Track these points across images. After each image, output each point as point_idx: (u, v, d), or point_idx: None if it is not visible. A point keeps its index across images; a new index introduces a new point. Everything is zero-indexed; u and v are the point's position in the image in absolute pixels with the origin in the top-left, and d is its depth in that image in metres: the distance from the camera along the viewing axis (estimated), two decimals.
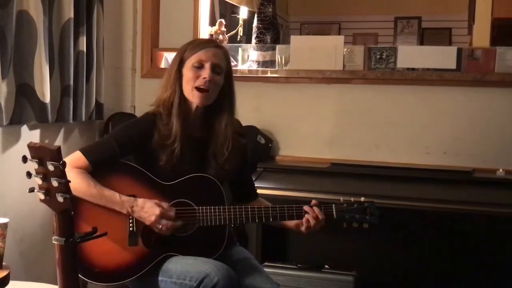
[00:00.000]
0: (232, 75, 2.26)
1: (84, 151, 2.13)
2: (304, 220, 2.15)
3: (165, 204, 2.10)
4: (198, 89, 2.15)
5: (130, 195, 2.11)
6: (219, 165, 2.21)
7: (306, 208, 2.16)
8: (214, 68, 2.16)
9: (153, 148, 2.15)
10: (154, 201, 2.08)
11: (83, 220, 2.08)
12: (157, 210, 2.06)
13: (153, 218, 2.05)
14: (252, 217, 2.16)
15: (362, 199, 2.21)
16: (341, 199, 2.21)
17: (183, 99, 2.18)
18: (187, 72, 2.17)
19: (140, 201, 2.08)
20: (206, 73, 2.14)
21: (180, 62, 2.19)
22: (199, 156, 2.21)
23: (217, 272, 1.97)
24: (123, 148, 2.15)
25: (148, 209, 2.06)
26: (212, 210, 2.12)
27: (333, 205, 2.18)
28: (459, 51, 3.19)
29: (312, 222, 2.14)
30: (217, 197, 2.17)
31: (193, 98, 2.17)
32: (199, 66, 2.16)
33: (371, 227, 2.19)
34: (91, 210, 2.08)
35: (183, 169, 2.16)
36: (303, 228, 2.17)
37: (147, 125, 2.18)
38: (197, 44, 2.22)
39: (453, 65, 3.18)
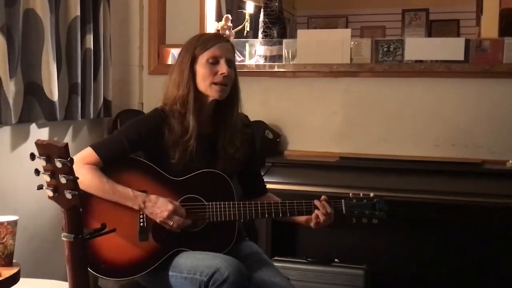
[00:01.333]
0: (236, 68, 2.28)
1: (94, 147, 2.14)
2: (313, 216, 2.15)
3: (176, 202, 2.10)
4: (216, 83, 2.16)
5: (141, 191, 2.12)
6: (229, 156, 2.22)
7: (316, 203, 2.16)
8: (228, 63, 2.18)
9: (164, 145, 2.16)
10: (167, 198, 2.09)
11: (93, 216, 2.09)
12: (170, 206, 2.07)
13: (165, 214, 2.06)
14: (262, 212, 2.16)
15: (371, 194, 2.21)
16: (350, 194, 2.21)
17: (197, 96, 2.19)
18: (202, 69, 2.17)
19: (153, 197, 2.09)
20: (223, 68, 2.15)
21: (192, 59, 2.19)
22: (209, 151, 2.22)
23: (228, 266, 1.97)
24: (133, 144, 2.16)
25: (161, 205, 2.07)
26: (222, 205, 2.13)
27: (343, 200, 2.18)
28: (467, 42, 3.17)
29: (321, 218, 2.14)
30: (227, 192, 2.17)
31: (212, 92, 2.17)
32: (214, 62, 2.17)
33: (380, 221, 2.19)
34: (101, 206, 2.09)
35: (194, 165, 2.16)
36: (312, 224, 2.17)
37: (157, 121, 2.18)
38: (208, 39, 2.22)
39: (461, 57, 3.16)
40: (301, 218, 2.22)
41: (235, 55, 2.31)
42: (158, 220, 2.08)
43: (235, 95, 2.25)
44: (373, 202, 2.19)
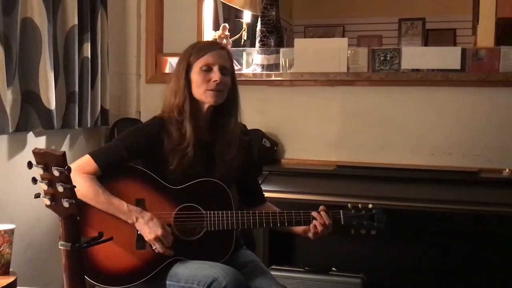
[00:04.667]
0: (235, 75, 2.29)
1: (93, 155, 2.14)
2: (311, 226, 2.15)
3: (167, 229, 2.09)
4: (210, 90, 2.17)
5: (139, 199, 2.12)
6: (226, 164, 2.22)
7: (314, 214, 2.16)
8: (222, 70, 2.18)
9: (163, 152, 2.16)
10: (161, 221, 2.09)
11: (91, 225, 2.08)
12: (158, 231, 2.06)
13: (152, 236, 2.06)
14: (260, 222, 2.16)
15: (370, 205, 2.20)
16: (349, 205, 2.20)
17: (193, 103, 2.20)
18: (196, 76, 2.18)
19: (147, 215, 2.09)
20: (216, 76, 2.16)
21: (187, 67, 2.20)
22: (207, 158, 2.22)
23: (225, 276, 1.97)
24: (132, 152, 2.16)
25: (152, 226, 2.06)
26: (220, 214, 2.13)
27: (341, 211, 2.18)
28: (463, 51, 3.18)
29: (319, 228, 2.14)
30: (225, 201, 2.17)
31: (207, 98, 2.18)
32: (208, 69, 2.18)
33: (378, 232, 2.18)
34: (98, 214, 2.09)
35: (192, 172, 2.16)
36: (310, 234, 2.17)
37: (155, 130, 2.19)
38: (202, 47, 2.24)
39: (457, 66, 3.17)
40: (299, 229, 2.22)
41: (233, 62, 2.31)
42: (145, 238, 2.08)
43: (233, 102, 2.26)
44: (372, 213, 2.19)
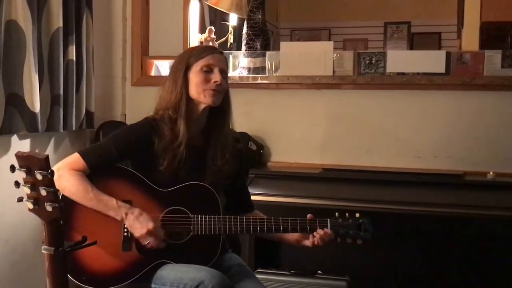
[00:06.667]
0: (228, 81, 2.30)
1: (82, 154, 2.13)
2: (310, 236, 2.15)
3: (158, 222, 2.09)
4: (209, 90, 2.17)
5: (126, 200, 2.11)
6: (218, 168, 2.22)
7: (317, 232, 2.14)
8: (222, 73, 2.20)
9: (153, 153, 2.15)
10: (151, 215, 2.08)
11: (76, 228, 2.07)
12: (150, 225, 2.05)
13: (144, 230, 2.05)
14: (247, 227, 2.16)
15: (357, 215, 2.21)
16: (336, 214, 2.21)
17: (189, 103, 2.19)
18: (195, 76, 2.18)
19: (136, 210, 2.08)
20: (217, 76, 2.17)
21: (186, 68, 2.20)
22: (198, 163, 2.21)
23: (211, 279, 1.97)
24: (121, 152, 2.15)
25: (143, 221, 2.06)
26: (207, 219, 2.12)
27: (328, 220, 2.18)
28: (448, 55, 3.21)
29: (318, 241, 2.14)
30: (213, 206, 2.16)
31: (205, 98, 2.18)
32: (208, 70, 2.18)
33: (364, 242, 2.19)
34: (83, 217, 2.08)
35: (182, 175, 2.16)
36: (308, 243, 2.16)
37: (146, 130, 2.18)
38: (203, 50, 2.26)
39: (442, 69, 3.19)
40: (290, 236, 2.22)
41: (228, 68, 2.32)
42: (135, 235, 2.07)
43: (227, 108, 2.26)
44: (359, 223, 2.18)
